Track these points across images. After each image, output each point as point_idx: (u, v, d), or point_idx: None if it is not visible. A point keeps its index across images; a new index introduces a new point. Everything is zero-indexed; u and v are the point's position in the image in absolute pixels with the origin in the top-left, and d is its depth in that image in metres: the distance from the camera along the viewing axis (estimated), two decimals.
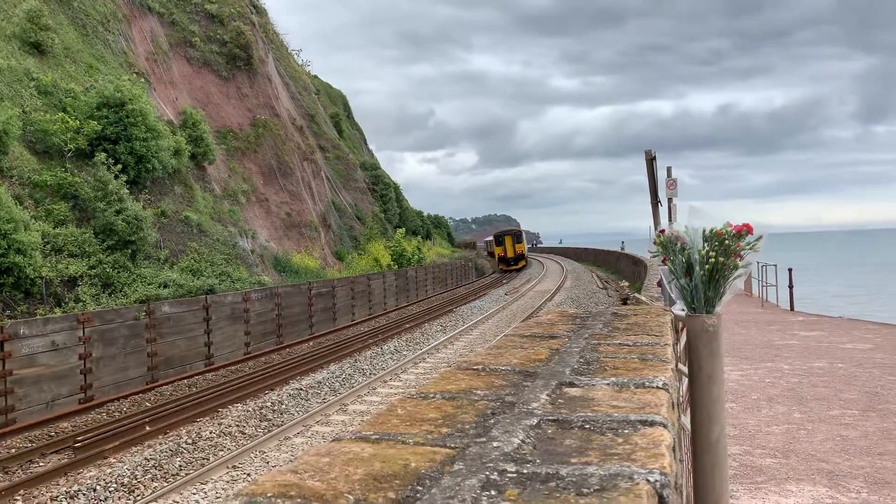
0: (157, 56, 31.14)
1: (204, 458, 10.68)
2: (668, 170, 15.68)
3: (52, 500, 9.04)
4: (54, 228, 17.82)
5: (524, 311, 27.63)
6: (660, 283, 13.51)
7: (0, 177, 17.73)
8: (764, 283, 22.08)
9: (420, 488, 1.02)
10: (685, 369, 2.84)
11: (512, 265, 59.29)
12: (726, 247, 2.70)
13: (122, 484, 9.57)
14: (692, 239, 2.75)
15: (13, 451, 10.94)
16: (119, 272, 18.45)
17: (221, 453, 10.90)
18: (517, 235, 62.37)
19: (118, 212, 19.17)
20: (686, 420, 2.75)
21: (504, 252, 60.17)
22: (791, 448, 6.91)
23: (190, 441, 11.44)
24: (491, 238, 71.05)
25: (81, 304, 16.35)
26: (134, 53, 29.06)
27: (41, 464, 10.53)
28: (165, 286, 18.93)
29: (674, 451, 1.29)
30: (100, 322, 14.64)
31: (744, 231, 2.70)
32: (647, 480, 1.02)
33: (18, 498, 9.14)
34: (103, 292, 17.54)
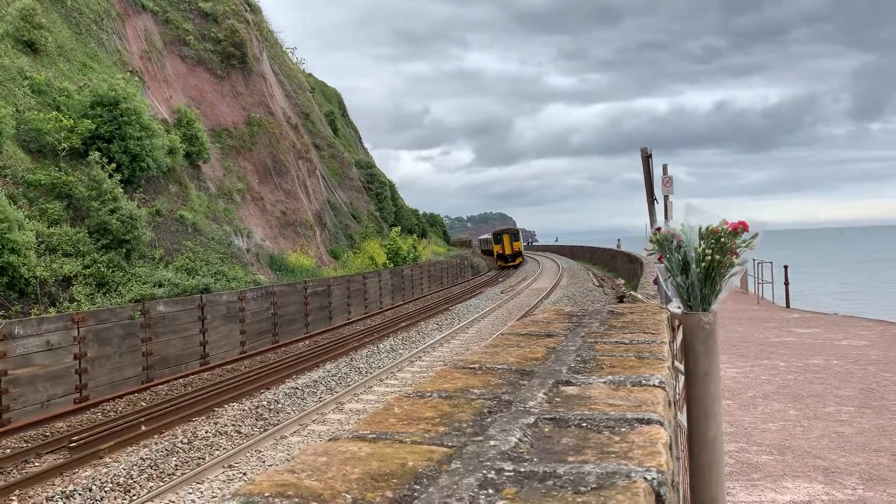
0: (151, 54, 31.03)
1: (200, 458, 10.66)
2: (664, 167, 15.67)
3: (47, 499, 9.02)
4: (48, 228, 17.75)
5: (520, 310, 27.65)
6: (656, 281, 13.53)
7: None
8: (760, 281, 22.13)
9: (417, 487, 1.01)
10: (681, 367, 2.84)
11: (510, 261, 63.53)
12: (722, 244, 2.69)
13: (118, 483, 9.55)
14: (688, 236, 2.75)
15: (8, 451, 10.91)
16: (114, 271, 18.39)
17: (217, 453, 10.88)
18: (514, 234, 66.86)
19: (112, 211, 19.11)
20: (682, 418, 2.75)
21: (502, 249, 64.57)
22: (787, 445, 6.93)
23: (186, 440, 11.42)
24: (488, 236, 74.78)
25: (76, 303, 16.30)
26: (128, 52, 28.95)
27: (36, 464, 10.50)
28: (160, 285, 18.88)
29: (670, 448, 1.29)
30: (95, 322, 14.61)
31: (740, 228, 2.70)
32: (645, 478, 1.02)
33: (14, 498, 9.12)
34: (98, 292, 17.48)
